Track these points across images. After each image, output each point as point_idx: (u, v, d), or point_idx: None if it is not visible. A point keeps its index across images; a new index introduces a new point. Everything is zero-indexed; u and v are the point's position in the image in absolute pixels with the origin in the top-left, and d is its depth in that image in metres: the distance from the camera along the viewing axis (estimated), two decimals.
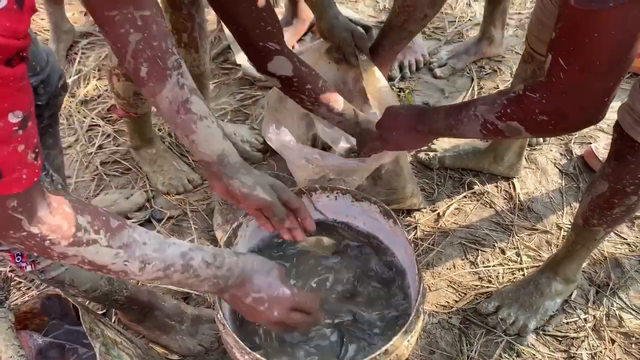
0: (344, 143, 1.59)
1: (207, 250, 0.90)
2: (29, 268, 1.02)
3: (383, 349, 0.95)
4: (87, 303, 1.37)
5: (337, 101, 1.31)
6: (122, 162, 1.88)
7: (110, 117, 2.04)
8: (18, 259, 1.00)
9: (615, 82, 0.87)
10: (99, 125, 2.01)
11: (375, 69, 1.49)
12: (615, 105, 1.99)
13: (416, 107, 1.19)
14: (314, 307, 1.00)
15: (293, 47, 2.21)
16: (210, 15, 2.39)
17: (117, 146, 1.94)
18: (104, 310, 1.47)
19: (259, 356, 0.96)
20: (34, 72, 1.08)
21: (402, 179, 1.58)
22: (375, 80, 1.47)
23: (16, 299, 1.48)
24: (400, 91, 2.11)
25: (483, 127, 1.01)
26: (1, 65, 0.54)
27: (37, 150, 0.65)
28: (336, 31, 1.52)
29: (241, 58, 2.20)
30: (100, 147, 1.94)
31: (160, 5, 1.15)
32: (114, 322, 1.44)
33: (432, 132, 1.14)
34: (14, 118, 0.59)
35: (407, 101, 2.05)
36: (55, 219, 0.73)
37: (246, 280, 0.94)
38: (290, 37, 2.21)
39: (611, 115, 2.00)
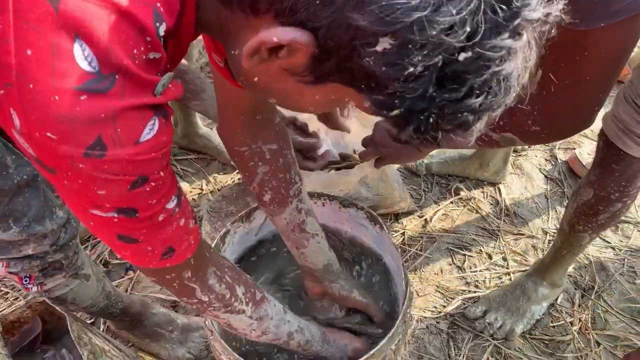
0: (331, 157, 1.61)
1: (306, 335, 1.02)
2: (34, 289, 1.03)
3: (370, 352, 0.95)
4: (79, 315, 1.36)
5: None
6: None
7: None
8: (26, 280, 1.00)
9: (604, 94, 0.90)
10: None
11: None
12: (600, 112, 2.02)
13: None
14: None
15: None
16: None
17: None
18: (92, 320, 1.46)
19: None
20: None
21: (387, 185, 1.60)
22: None
23: (4, 309, 1.47)
24: None
25: (478, 138, 1.04)
26: (163, 170, 0.59)
27: (194, 215, 0.71)
28: None
29: None
30: None
31: None
32: (103, 330, 1.44)
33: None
34: (170, 204, 0.63)
35: None
36: (221, 288, 0.81)
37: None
38: None
39: (595, 122, 2.03)
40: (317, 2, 0.48)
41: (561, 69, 0.87)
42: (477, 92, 0.49)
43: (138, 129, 0.54)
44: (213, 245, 1.15)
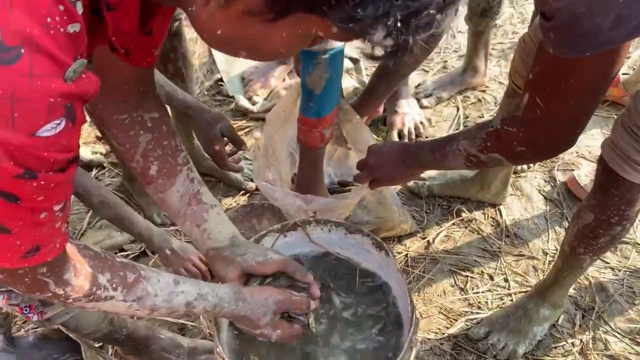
0: (332, 184, 1.67)
1: (210, 299, 0.94)
2: (35, 318, 1.05)
3: None
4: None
5: None
6: (117, 194, 1.89)
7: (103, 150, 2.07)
8: (26, 310, 1.02)
9: (587, 117, 0.96)
10: (92, 159, 2.03)
11: (350, 108, 1.56)
12: (596, 133, 2.05)
13: (398, 144, 1.25)
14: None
15: (284, 80, 2.26)
16: (203, 48, 2.44)
17: (111, 178, 1.96)
18: (100, 344, 1.48)
19: None
20: None
21: (387, 207, 1.63)
22: (351, 119, 1.54)
23: (14, 333, 1.48)
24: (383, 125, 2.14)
25: (467, 159, 1.10)
26: (56, 173, 0.56)
27: (68, 220, 0.68)
28: None
29: (233, 90, 2.25)
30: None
31: None
32: (111, 354, 1.45)
33: (421, 167, 1.21)
34: (57, 206, 0.62)
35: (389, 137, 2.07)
36: (79, 280, 0.77)
37: (236, 320, 1.02)
38: (282, 71, 2.27)
39: (592, 142, 2.05)
40: None
41: (547, 93, 0.93)
42: None
43: (38, 122, 0.50)
44: None
